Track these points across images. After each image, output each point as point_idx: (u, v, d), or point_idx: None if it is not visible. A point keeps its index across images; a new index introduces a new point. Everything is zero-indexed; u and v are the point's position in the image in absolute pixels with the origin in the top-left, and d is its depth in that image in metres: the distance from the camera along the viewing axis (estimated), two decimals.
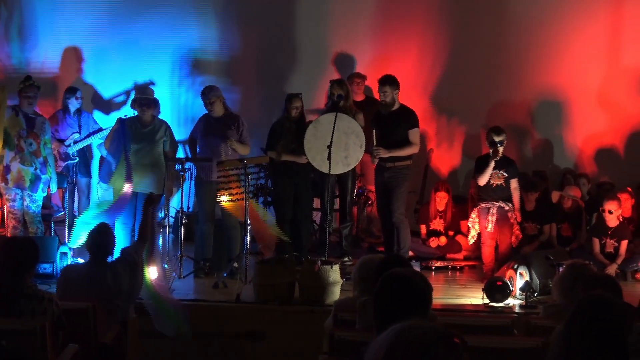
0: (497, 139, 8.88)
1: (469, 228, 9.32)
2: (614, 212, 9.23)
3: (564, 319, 3.40)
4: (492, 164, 8.87)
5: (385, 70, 9.33)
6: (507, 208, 8.93)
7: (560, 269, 6.93)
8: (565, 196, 10.04)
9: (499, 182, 8.97)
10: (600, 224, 9.40)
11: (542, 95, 11.43)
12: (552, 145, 11.60)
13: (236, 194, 8.57)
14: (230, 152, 8.92)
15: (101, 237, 6.31)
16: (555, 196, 10.18)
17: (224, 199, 8.64)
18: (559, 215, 10.02)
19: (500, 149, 8.88)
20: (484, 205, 9.00)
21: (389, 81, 8.94)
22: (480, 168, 8.98)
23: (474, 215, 9.12)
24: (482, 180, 8.95)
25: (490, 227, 8.90)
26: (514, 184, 9.02)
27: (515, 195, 9.04)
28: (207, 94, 9.00)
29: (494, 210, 8.91)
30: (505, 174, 8.96)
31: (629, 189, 10.24)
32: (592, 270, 5.37)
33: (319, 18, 11.57)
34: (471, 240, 9.26)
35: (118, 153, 8.91)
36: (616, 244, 9.25)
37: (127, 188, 8.63)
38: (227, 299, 7.90)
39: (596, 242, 9.33)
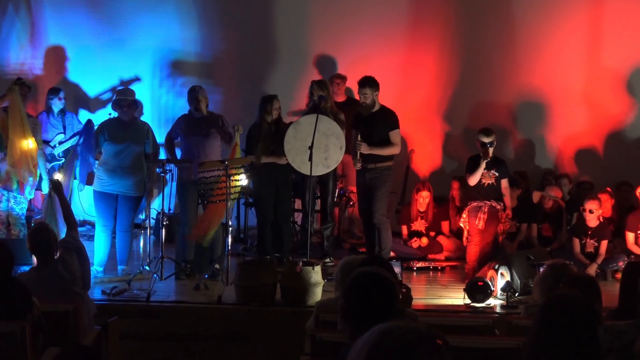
0: (486, 140, 8.90)
1: (462, 229, 9.31)
2: (595, 212, 9.28)
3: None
4: (483, 165, 8.89)
5: (366, 72, 9.33)
6: (498, 207, 8.94)
7: (541, 269, 6.98)
8: (546, 197, 10.08)
9: (490, 182, 8.98)
10: (580, 224, 9.45)
11: (524, 96, 11.47)
12: (534, 146, 11.64)
13: (216, 195, 8.54)
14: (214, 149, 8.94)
15: (42, 236, 6.27)
16: (536, 196, 10.22)
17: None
18: (539, 215, 10.07)
19: (491, 150, 8.91)
20: (475, 204, 8.99)
21: (368, 83, 8.94)
22: (471, 168, 8.99)
23: (464, 215, 9.11)
24: (473, 181, 8.96)
25: (481, 224, 8.88)
26: (504, 183, 9.03)
27: (507, 195, 9.04)
28: (198, 90, 8.98)
29: (485, 209, 8.91)
30: (497, 174, 8.98)
31: (609, 189, 10.30)
32: (573, 270, 5.39)
33: (299, 19, 11.57)
34: (466, 241, 9.22)
35: (83, 154, 8.94)
36: (596, 244, 9.30)
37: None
38: (209, 301, 7.88)
39: (576, 242, 9.38)
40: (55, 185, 7.18)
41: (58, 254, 6.28)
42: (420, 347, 2.26)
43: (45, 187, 9.08)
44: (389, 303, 3.30)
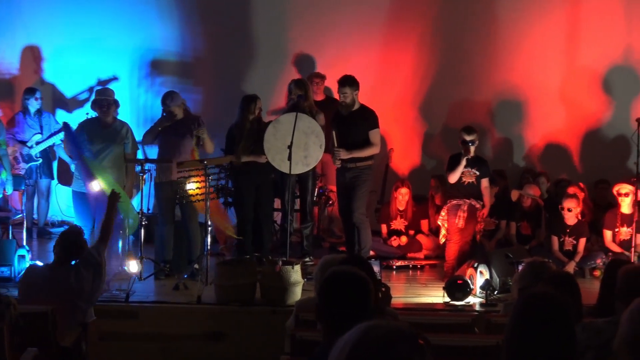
0: (468, 138, 8.92)
1: (437, 227, 9.33)
2: (573, 210, 9.34)
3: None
4: (464, 163, 8.90)
5: (345, 70, 9.34)
6: (477, 206, 8.96)
7: (520, 267, 7.00)
8: (524, 195, 10.12)
9: (470, 180, 8.99)
10: (558, 222, 9.49)
11: (502, 94, 11.53)
12: (512, 144, 11.70)
13: (197, 194, 8.53)
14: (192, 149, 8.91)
15: (71, 240, 6.27)
16: (514, 195, 10.26)
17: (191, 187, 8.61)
18: (518, 213, 10.11)
19: (472, 148, 8.92)
20: (454, 202, 8.99)
21: (348, 82, 8.95)
22: (452, 166, 9.01)
23: (443, 213, 9.11)
24: (453, 178, 8.97)
25: (460, 222, 8.87)
26: (484, 183, 9.04)
27: (486, 194, 9.06)
28: (169, 104, 8.90)
29: (464, 207, 8.92)
30: (477, 173, 9.00)
31: (581, 184, 10.34)
32: (551, 268, 5.41)
33: (278, 18, 11.56)
34: (442, 239, 9.24)
35: (75, 156, 8.89)
36: (574, 242, 9.36)
37: (93, 187, 8.56)
38: (188, 301, 7.86)
39: (555, 240, 9.43)
40: (115, 197, 7.10)
41: (76, 262, 6.27)
42: (401, 345, 2.27)
43: (10, 188, 9.01)
44: (364, 302, 3.31)
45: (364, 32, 11.42)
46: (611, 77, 11.44)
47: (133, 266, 8.37)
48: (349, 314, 3.17)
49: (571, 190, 9.87)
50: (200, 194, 8.50)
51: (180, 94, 9.23)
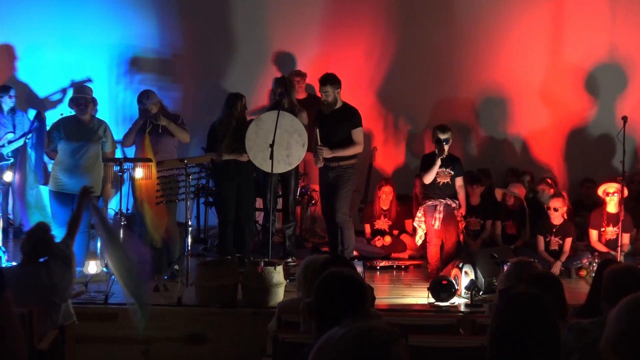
0: (442, 136, 8.93)
1: (415, 228, 9.36)
2: (559, 210, 9.37)
3: None
4: (438, 163, 8.91)
5: (327, 68, 9.34)
6: (453, 205, 9.00)
7: (505, 267, 7.02)
8: (507, 193, 10.15)
9: (445, 180, 9.02)
10: (544, 221, 9.53)
11: (486, 92, 11.56)
12: (497, 143, 11.73)
13: (177, 194, 8.50)
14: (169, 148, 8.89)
15: (40, 236, 6.25)
16: (498, 194, 10.28)
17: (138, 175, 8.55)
18: (503, 213, 10.14)
19: (446, 147, 8.93)
20: (430, 203, 9.03)
21: (329, 80, 8.94)
22: (426, 166, 9.02)
23: (419, 214, 9.15)
24: (428, 179, 8.99)
25: (437, 224, 8.93)
26: (459, 182, 9.10)
27: (461, 193, 9.12)
28: (145, 103, 8.91)
29: (440, 208, 8.95)
30: (452, 172, 9.02)
31: (549, 180, 10.38)
32: (537, 268, 5.43)
33: (258, 15, 11.54)
34: (419, 240, 9.26)
35: (37, 149, 8.88)
36: (560, 242, 9.39)
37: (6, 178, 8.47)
38: (168, 302, 7.83)
39: (541, 240, 9.47)
40: (86, 192, 7.05)
41: (46, 258, 6.24)
42: (395, 345, 2.31)
43: None
44: (360, 304, 3.34)
45: (345, 30, 11.42)
46: (596, 74, 11.50)
47: (92, 267, 8.32)
48: (344, 315, 3.19)
49: (546, 187, 9.93)
50: (160, 196, 8.41)
51: (158, 92, 9.21)
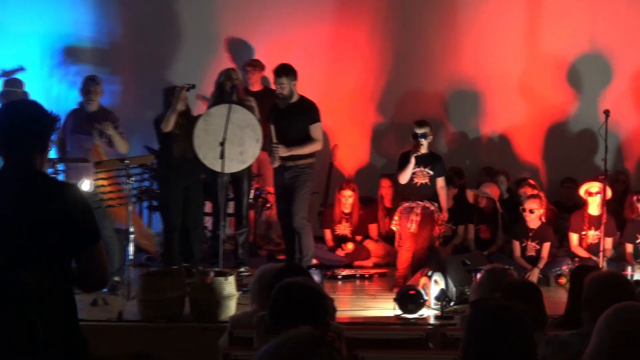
0: (418, 131, 8.92)
1: (394, 232, 9.30)
2: (535, 212, 9.43)
3: None
4: (413, 161, 8.90)
5: (286, 58, 9.31)
6: (432, 208, 8.97)
7: (478, 275, 7.06)
8: (479, 195, 10.21)
9: (423, 181, 9.00)
10: (520, 225, 9.59)
11: (456, 84, 11.62)
12: (468, 140, 11.79)
13: (116, 198, 8.45)
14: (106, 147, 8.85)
15: None
16: (470, 195, 10.34)
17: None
18: (475, 216, 10.18)
19: (424, 143, 8.93)
20: (407, 204, 9.00)
21: (285, 71, 8.92)
22: (401, 165, 9.02)
23: (396, 217, 9.11)
24: (403, 179, 8.97)
25: (413, 227, 8.87)
26: (440, 182, 9.04)
27: (442, 195, 9.06)
28: (99, 82, 8.90)
29: (418, 210, 8.91)
30: (431, 172, 8.99)
31: (530, 181, 10.45)
32: (513, 276, 5.46)
33: None
34: (397, 245, 9.22)
35: None
36: (538, 247, 9.46)
37: None
38: (108, 318, 7.78)
39: (516, 245, 9.53)
40: None
41: None
42: (320, 350, 2.33)
43: None
44: (318, 316, 3.34)
45: (308, 20, 11.42)
46: (577, 66, 11.62)
47: None
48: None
49: (528, 190, 9.99)
50: (114, 199, 8.38)
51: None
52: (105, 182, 8.52)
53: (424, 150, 8.96)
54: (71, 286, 3.98)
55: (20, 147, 3.87)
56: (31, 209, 3.75)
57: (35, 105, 4.05)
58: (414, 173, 8.96)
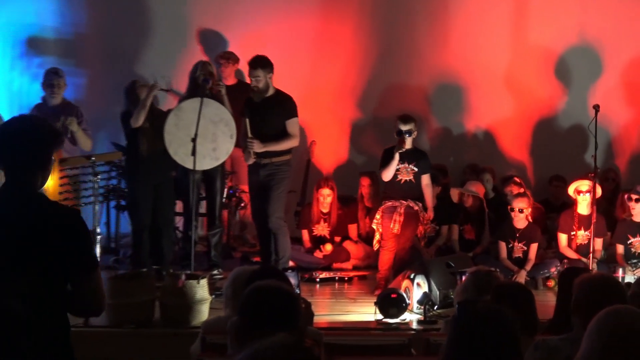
0: (403, 127, 8.91)
1: (372, 232, 9.31)
2: (524, 211, 9.45)
3: None
4: (397, 157, 8.90)
5: (261, 52, 9.29)
6: (416, 208, 8.96)
7: (463, 278, 7.06)
8: (464, 193, 10.23)
9: (407, 178, 8.99)
10: (507, 225, 9.61)
11: (440, 78, 11.63)
12: (452, 136, 11.81)
13: (82, 197, 8.42)
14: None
15: None
16: (454, 194, 10.35)
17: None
18: (460, 216, 10.20)
19: (408, 140, 8.93)
20: (390, 203, 8.98)
21: (260, 64, 8.90)
22: (385, 161, 9.01)
23: (378, 216, 9.11)
24: (386, 176, 8.97)
25: (396, 227, 8.86)
26: (425, 180, 9.04)
27: (427, 193, 9.06)
28: (62, 75, 8.86)
29: (401, 210, 8.91)
30: (415, 169, 8.99)
31: (517, 178, 10.48)
32: (498, 279, 5.48)
33: None
34: (376, 245, 9.23)
35: None
36: (525, 248, 9.48)
37: None
38: (74, 323, 7.69)
39: (503, 246, 9.54)
40: None
41: None
42: (298, 358, 2.34)
43: None
44: (292, 321, 3.33)
45: (285, 11, 11.40)
46: (566, 59, 11.64)
47: None
48: (274, 332, 3.20)
49: (514, 188, 10.02)
50: (71, 198, 8.34)
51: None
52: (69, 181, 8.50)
53: (408, 145, 8.96)
54: (65, 311, 4.01)
55: (20, 164, 3.90)
56: (29, 233, 3.78)
57: (35, 120, 4.07)
58: (397, 170, 8.95)
